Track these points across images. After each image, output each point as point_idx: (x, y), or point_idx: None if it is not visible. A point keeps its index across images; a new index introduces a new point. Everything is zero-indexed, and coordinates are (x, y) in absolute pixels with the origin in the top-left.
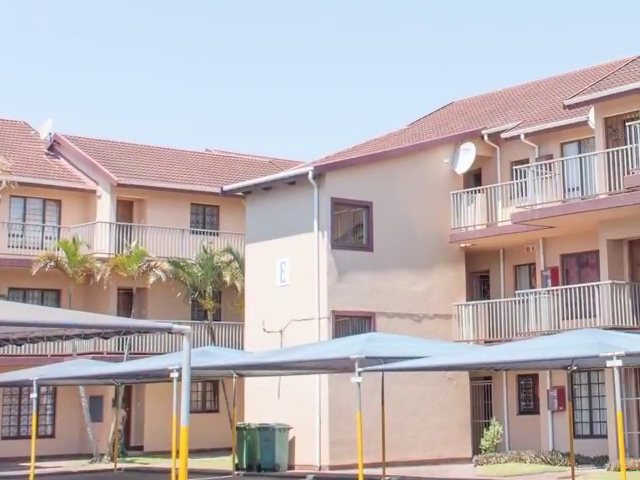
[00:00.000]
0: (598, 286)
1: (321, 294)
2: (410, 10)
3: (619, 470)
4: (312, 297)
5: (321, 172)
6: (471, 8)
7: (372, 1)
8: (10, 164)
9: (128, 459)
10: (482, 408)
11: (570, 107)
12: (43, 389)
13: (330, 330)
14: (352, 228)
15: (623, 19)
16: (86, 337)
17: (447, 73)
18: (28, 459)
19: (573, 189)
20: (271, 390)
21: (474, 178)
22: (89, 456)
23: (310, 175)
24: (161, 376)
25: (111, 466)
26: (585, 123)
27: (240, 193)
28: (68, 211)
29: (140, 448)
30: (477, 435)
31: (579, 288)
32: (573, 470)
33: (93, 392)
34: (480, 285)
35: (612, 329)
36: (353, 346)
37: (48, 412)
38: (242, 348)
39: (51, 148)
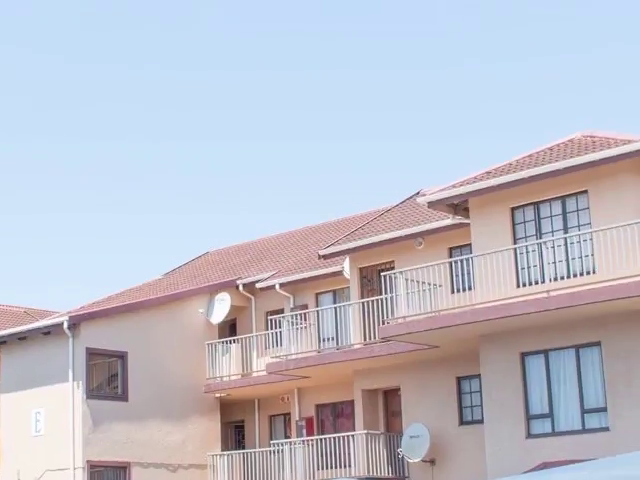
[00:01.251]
0: (353, 436)
1: (76, 444)
2: (163, 158)
3: None
4: (67, 447)
5: (76, 322)
6: (226, 157)
7: (120, 149)
8: None
9: None
10: None
11: (325, 257)
12: None
13: None
14: (107, 378)
15: (376, 169)
16: None
17: (202, 223)
18: None
19: (328, 339)
20: None
21: (230, 328)
22: None
23: (65, 325)
24: None
25: None
26: (340, 273)
27: None
28: None
29: None
30: None
31: (334, 438)
32: None
33: None
34: (235, 435)
35: (367, 479)
36: None
37: None
38: None
39: None
